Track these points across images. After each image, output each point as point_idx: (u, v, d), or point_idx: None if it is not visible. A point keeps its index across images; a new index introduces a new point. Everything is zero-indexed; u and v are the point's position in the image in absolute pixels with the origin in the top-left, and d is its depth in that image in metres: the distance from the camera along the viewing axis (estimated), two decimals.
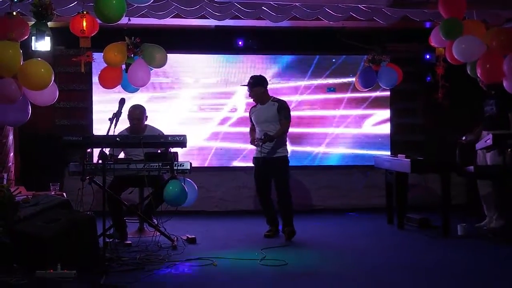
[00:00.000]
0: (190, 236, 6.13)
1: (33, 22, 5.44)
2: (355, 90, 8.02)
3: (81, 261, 4.68)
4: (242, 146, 8.12)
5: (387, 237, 6.53)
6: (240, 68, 8.30)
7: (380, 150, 8.32)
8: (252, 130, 6.57)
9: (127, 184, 6.26)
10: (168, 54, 6.43)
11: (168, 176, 5.93)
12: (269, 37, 8.11)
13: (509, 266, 5.20)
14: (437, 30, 6.08)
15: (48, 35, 5.45)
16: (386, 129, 8.55)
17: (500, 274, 4.91)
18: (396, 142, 8.49)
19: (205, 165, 8.23)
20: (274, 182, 6.41)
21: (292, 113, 6.60)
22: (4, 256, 4.74)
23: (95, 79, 7.40)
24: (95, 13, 5.36)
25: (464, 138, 6.71)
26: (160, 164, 5.90)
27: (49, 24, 5.54)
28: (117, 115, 5.07)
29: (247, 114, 6.70)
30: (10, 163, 7.26)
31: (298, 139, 8.31)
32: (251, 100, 6.58)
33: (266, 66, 8.32)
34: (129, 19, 6.10)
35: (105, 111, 7.45)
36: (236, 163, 8.28)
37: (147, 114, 6.48)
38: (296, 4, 6.50)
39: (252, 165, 6.55)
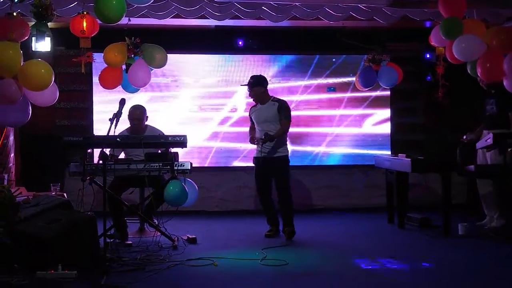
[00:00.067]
0: (190, 236, 6.14)
1: (33, 23, 5.44)
2: (355, 89, 8.02)
3: (82, 262, 4.68)
4: (242, 146, 8.12)
5: (387, 237, 6.53)
6: (240, 68, 8.30)
7: (380, 150, 8.31)
8: (252, 128, 6.57)
9: (127, 184, 6.26)
10: (168, 54, 6.43)
11: (169, 176, 5.94)
12: (269, 37, 8.11)
13: (510, 266, 5.20)
14: (437, 30, 6.08)
15: (48, 36, 5.45)
16: (386, 128, 8.54)
17: (501, 273, 4.91)
18: (397, 141, 8.48)
19: (206, 165, 8.24)
20: (274, 182, 6.41)
21: (292, 113, 6.60)
22: (5, 257, 4.73)
23: (95, 80, 7.41)
24: (95, 14, 5.36)
25: (465, 137, 6.71)
26: (161, 164, 5.90)
27: (49, 24, 5.53)
28: (117, 115, 5.07)
29: (247, 114, 6.70)
30: (11, 164, 7.26)
31: (299, 139, 8.31)
32: (251, 100, 6.58)
33: (266, 66, 8.32)
34: (129, 20, 6.09)
35: (106, 111, 7.47)
36: (236, 163, 8.28)
37: (148, 114, 6.48)
38: (296, 3, 6.50)
39: (253, 165, 6.55)
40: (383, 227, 7.01)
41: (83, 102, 8.10)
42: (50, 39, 5.50)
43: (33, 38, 5.42)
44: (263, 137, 6.19)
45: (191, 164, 6.04)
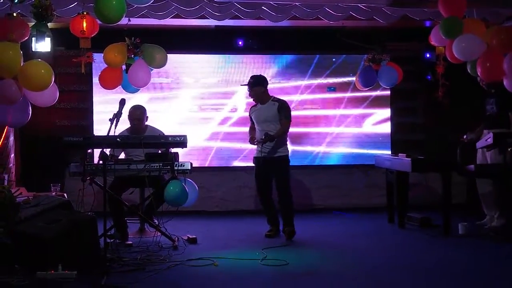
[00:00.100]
0: (191, 236, 6.13)
1: (33, 23, 5.44)
2: (355, 89, 8.02)
3: (82, 262, 4.68)
4: (242, 146, 8.12)
5: (388, 237, 6.53)
6: (240, 68, 8.29)
7: (380, 149, 8.31)
8: (252, 129, 6.57)
9: (127, 185, 6.26)
10: (168, 54, 6.44)
11: (169, 176, 5.94)
12: (269, 37, 8.12)
13: (511, 265, 5.19)
14: (437, 29, 6.08)
15: (48, 36, 5.45)
16: (386, 128, 8.54)
17: (501, 273, 4.90)
18: (397, 141, 8.48)
19: (206, 165, 8.23)
20: (274, 182, 6.41)
21: (293, 113, 6.60)
22: (5, 257, 4.73)
23: (95, 80, 7.41)
24: (95, 14, 5.36)
25: (465, 137, 6.71)
26: (161, 164, 5.91)
27: (49, 25, 5.53)
28: (117, 115, 5.08)
29: (247, 114, 6.70)
30: (11, 164, 7.26)
31: (299, 139, 8.31)
32: (251, 100, 6.58)
33: (266, 66, 8.32)
34: (129, 20, 6.10)
35: (106, 111, 7.48)
36: (236, 163, 8.28)
37: (148, 114, 6.49)
38: (296, 3, 6.50)
39: (253, 165, 6.55)
40: (383, 227, 7.01)
41: (83, 103, 8.10)
42: (50, 40, 5.50)
43: (33, 39, 5.42)
44: (263, 137, 6.19)
45: (191, 164, 6.05)
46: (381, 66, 7.40)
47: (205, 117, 8.28)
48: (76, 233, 4.80)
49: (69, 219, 4.90)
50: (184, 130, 7.31)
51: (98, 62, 6.62)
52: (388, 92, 8.42)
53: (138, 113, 6.40)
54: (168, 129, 6.91)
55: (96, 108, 8.01)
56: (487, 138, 6.14)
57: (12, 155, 7.33)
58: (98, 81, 6.47)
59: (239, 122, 8.18)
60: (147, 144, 5.98)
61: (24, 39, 5.36)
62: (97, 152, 5.38)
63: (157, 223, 6.06)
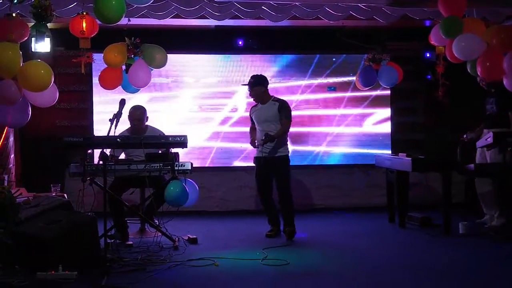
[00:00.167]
0: (191, 236, 6.13)
1: (33, 23, 5.44)
2: (355, 89, 8.02)
3: (82, 262, 4.68)
4: (243, 146, 8.11)
5: (388, 236, 6.52)
6: (240, 68, 8.29)
7: (380, 149, 8.31)
8: (253, 129, 6.57)
9: (128, 185, 6.26)
10: (168, 54, 6.44)
11: (169, 176, 5.94)
12: (269, 37, 8.12)
13: (511, 265, 5.19)
14: (437, 29, 6.08)
15: (48, 36, 5.44)
16: (386, 128, 8.54)
17: (501, 272, 4.90)
18: (397, 140, 8.48)
19: (206, 165, 8.23)
20: (275, 182, 6.41)
21: (293, 113, 6.60)
22: (5, 258, 4.74)
23: (95, 80, 7.40)
24: (94, 14, 5.35)
25: (465, 136, 6.71)
26: (161, 164, 5.90)
27: (49, 25, 5.52)
28: (117, 116, 5.08)
29: (248, 114, 6.70)
30: (11, 165, 7.26)
31: (299, 139, 8.31)
32: (251, 100, 6.58)
33: (266, 66, 8.31)
34: (129, 20, 6.09)
35: (106, 112, 7.48)
36: (237, 163, 8.27)
37: (148, 114, 6.48)
38: (296, 3, 6.50)
39: (253, 164, 6.55)
40: (384, 227, 7.01)
41: (83, 103, 8.09)
42: (50, 40, 5.49)
43: (33, 39, 5.41)
44: (263, 137, 6.19)
45: (191, 164, 6.04)
46: (381, 65, 7.39)
47: (206, 117, 8.27)
48: (76, 233, 4.80)
49: (69, 220, 4.90)
50: (184, 130, 7.32)
51: (98, 62, 6.61)
52: (388, 92, 8.42)
53: (138, 114, 6.39)
54: (169, 129, 6.91)
55: (96, 108, 8.01)
56: (487, 137, 6.14)
57: (12, 155, 7.33)
58: (98, 81, 6.46)
59: (240, 122, 8.18)
60: (148, 144, 5.97)
61: (23, 40, 5.36)
62: (97, 152, 5.38)
63: (157, 223, 6.06)
